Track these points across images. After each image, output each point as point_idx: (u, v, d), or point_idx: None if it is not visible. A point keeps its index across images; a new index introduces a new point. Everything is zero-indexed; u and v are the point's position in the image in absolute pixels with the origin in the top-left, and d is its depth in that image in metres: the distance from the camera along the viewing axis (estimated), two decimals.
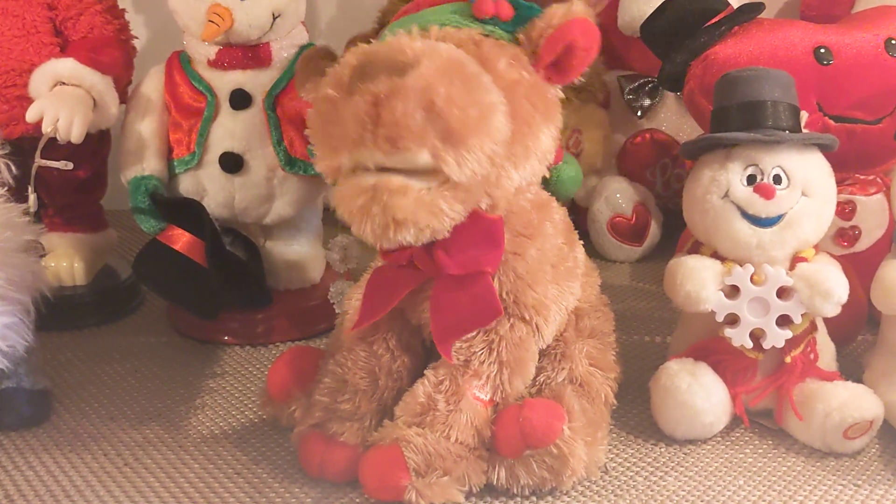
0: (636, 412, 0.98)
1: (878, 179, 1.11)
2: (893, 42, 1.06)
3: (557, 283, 0.88)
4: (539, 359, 0.89)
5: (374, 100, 0.70)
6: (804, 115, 0.95)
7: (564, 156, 0.95)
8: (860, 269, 1.02)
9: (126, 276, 1.24)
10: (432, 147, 0.71)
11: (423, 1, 0.86)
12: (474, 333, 0.84)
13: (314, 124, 0.75)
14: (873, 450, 0.92)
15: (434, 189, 0.73)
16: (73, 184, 1.17)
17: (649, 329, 1.16)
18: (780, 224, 0.90)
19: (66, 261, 1.18)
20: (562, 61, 0.81)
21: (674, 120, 1.39)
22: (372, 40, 0.82)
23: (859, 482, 0.87)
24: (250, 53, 1.09)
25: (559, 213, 0.91)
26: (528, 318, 0.86)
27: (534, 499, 0.85)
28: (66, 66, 1.04)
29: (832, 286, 0.89)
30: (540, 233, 0.87)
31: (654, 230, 1.36)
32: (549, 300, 0.87)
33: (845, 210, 1.09)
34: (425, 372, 0.86)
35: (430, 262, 0.82)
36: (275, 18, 1.08)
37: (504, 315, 0.84)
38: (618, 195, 1.35)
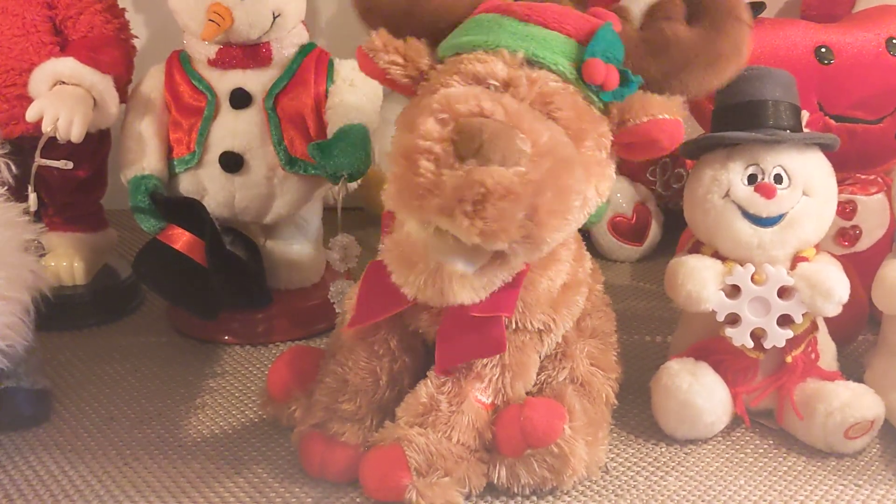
0: (637, 412, 0.98)
1: (879, 179, 1.11)
2: (894, 41, 1.06)
3: (566, 301, 0.88)
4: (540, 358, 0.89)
5: (482, 188, 0.68)
6: (805, 115, 0.94)
7: None
8: (861, 268, 1.02)
9: (126, 276, 1.24)
10: (515, 243, 0.71)
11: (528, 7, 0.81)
12: None
13: (400, 167, 0.71)
14: (874, 450, 0.92)
15: (488, 268, 0.73)
16: (72, 183, 1.16)
17: (650, 329, 1.16)
18: (780, 224, 0.90)
19: (65, 260, 1.17)
20: (635, 146, 0.79)
21: None
22: None
23: (860, 482, 0.87)
24: (250, 53, 1.09)
25: (572, 235, 0.90)
26: (533, 331, 0.86)
27: (534, 498, 0.85)
28: (66, 66, 1.04)
29: (833, 286, 0.89)
30: (554, 261, 0.86)
31: (654, 230, 1.36)
32: (557, 318, 0.87)
33: (846, 210, 1.09)
34: (427, 373, 0.86)
35: None
36: (275, 18, 1.08)
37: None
38: (618, 195, 1.35)
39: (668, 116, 0.77)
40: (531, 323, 0.85)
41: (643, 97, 0.78)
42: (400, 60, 0.80)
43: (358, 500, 0.84)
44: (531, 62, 0.77)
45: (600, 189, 0.80)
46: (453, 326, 0.83)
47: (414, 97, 0.80)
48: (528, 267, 0.82)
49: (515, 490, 0.84)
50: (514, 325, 0.85)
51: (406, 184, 0.71)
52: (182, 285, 1.07)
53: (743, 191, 0.90)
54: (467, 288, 0.73)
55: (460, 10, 0.83)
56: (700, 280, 0.90)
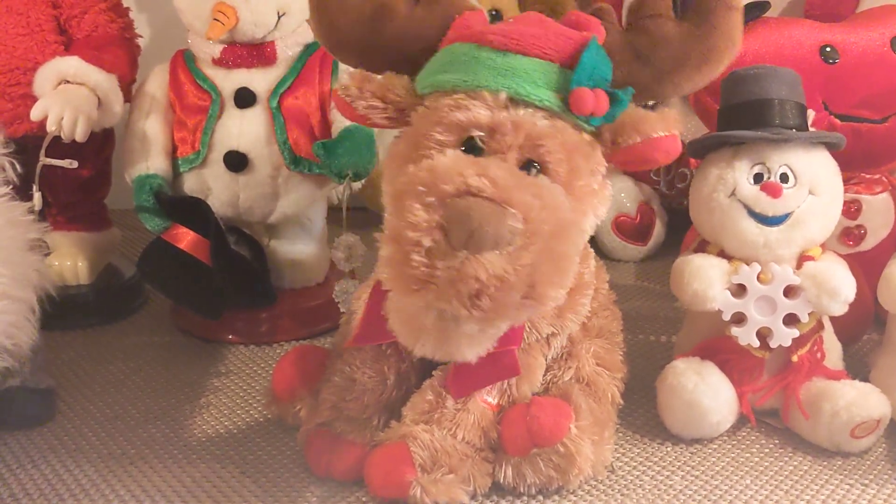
0: (642, 411, 0.97)
1: (884, 178, 1.11)
2: None
3: (572, 305, 0.87)
4: None
5: (477, 284, 0.66)
6: (811, 114, 0.94)
7: None
8: (866, 268, 1.01)
9: (130, 276, 1.24)
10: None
11: (512, 32, 0.77)
12: None
13: (392, 253, 0.69)
14: (880, 449, 0.92)
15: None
16: (76, 182, 1.16)
17: (654, 328, 1.16)
18: (786, 223, 0.90)
19: (69, 260, 1.17)
20: (630, 162, 0.78)
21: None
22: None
23: (867, 481, 0.87)
24: (255, 52, 1.09)
25: None
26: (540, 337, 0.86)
27: (540, 498, 0.85)
28: (71, 65, 1.04)
29: (839, 285, 0.89)
30: None
31: (658, 229, 1.36)
32: (564, 324, 0.87)
33: (851, 209, 1.09)
34: (434, 372, 0.86)
35: None
36: (280, 17, 1.08)
37: None
38: (622, 194, 1.35)
39: (663, 133, 0.75)
40: (538, 335, 0.86)
41: (634, 115, 0.76)
42: (378, 104, 0.78)
43: (364, 499, 0.84)
44: (514, 100, 0.75)
45: (598, 213, 0.80)
46: (467, 366, 0.81)
47: (399, 136, 0.80)
48: None
49: (521, 489, 0.84)
50: (524, 337, 0.85)
51: (400, 274, 0.69)
52: (186, 284, 1.07)
53: (749, 190, 0.90)
54: (475, 346, 0.72)
55: (429, 33, 0.80)
56: (706, 279, 0.90)
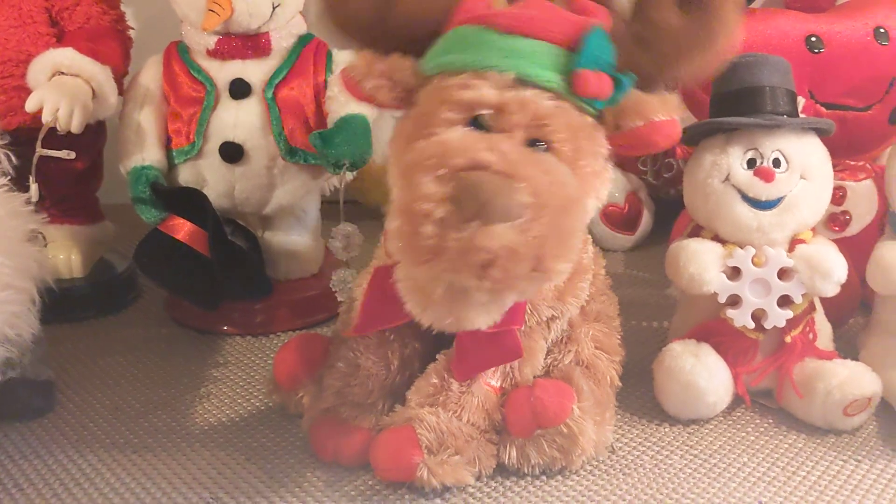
0: (638, 394, 0.99)
1: (868, 165, 1.13)
2: (882, 31, 1.09)
3: (571, 289, 0.88)
4: None
5: (488, 254, 0.67)
6: (801, 101, 0.97)
7: None
8: (851, 253, 1.03)
9: (122, 269, 1.23)
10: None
11: (515, 17, 0.79)
12: None
13: (403, 226, 0.69)
14: (871, 426, 0.94)
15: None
16: (71, 175, 1.16)
17: (645, 315, 1.18)
18: (779, 207, 0.92)
19: (63, 253, 1.17)
20: (631, 145, 0.79)
21: None
22: None
23: (859, 457, 0.89)
24: (250, 43, 1.09)
25: None
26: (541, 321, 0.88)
27: (544, 478, 0.86)
28: (66, 56, 1.04)
29: (832, 266, 0.91)
30: None
31: (646, 219, 1.38)
32: (564, 308, 0.88)
33: (836, 195, 1.11)
34: (437, 356, 0.87)
35: None
36: (274, 8, 1.08)
37: None
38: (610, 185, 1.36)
39: (665, 118, 0.77)
40: (539, 317, 0.87)
41: (637, 99, 0.78)
42: (386, 83, 0.79)
43: (369, 482, 0.85)
44: (521, 81, 0.76)
45: (600, 195, 0.81)
46: (469, 342, 0.84)
47: (404, 116, 0.80)
48: None
49: (525, 470, 0.85)
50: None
51: (411, 245, 0.69)
52: (183, 275, 1.07)
53: (742, 175, 0.92)
54: (483, 315, 0.72)
55: (435, 15, 0.81)
56: (702, 263, 0.92)
